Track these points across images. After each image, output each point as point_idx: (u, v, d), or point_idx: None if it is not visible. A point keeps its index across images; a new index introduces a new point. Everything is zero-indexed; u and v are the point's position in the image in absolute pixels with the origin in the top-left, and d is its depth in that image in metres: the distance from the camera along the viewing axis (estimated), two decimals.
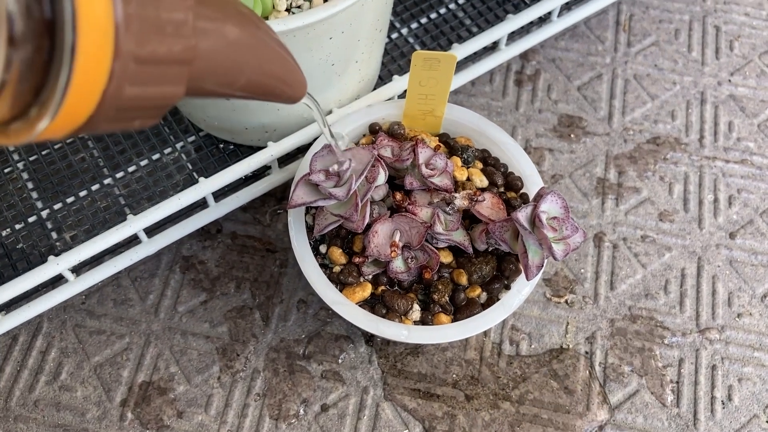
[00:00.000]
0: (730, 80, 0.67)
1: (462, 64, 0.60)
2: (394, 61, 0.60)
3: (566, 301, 0.56)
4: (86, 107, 0.20)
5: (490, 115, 0.64)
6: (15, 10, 0.17)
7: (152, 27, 0.20)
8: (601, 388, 0.53)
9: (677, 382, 0.53)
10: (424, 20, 0.62)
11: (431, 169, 0.46)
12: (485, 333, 0.55)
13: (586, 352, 0.54)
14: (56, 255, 0.48)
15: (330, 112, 0.53)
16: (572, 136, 0.64)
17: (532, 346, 0.55)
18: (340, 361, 0.54)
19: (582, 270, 0.58)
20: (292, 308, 0.55)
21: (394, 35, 0.61)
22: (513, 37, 0.62)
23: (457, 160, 0.49)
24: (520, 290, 0.45)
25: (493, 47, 0.61)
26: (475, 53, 0.60)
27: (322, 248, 0.47)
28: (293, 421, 0.51)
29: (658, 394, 0.53)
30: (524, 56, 0.67)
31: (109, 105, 0.20)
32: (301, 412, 0.52)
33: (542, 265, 0.42)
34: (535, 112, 0.65)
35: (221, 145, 0.55)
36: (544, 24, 0.62)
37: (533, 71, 0.67)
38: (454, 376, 0.53)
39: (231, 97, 0.28)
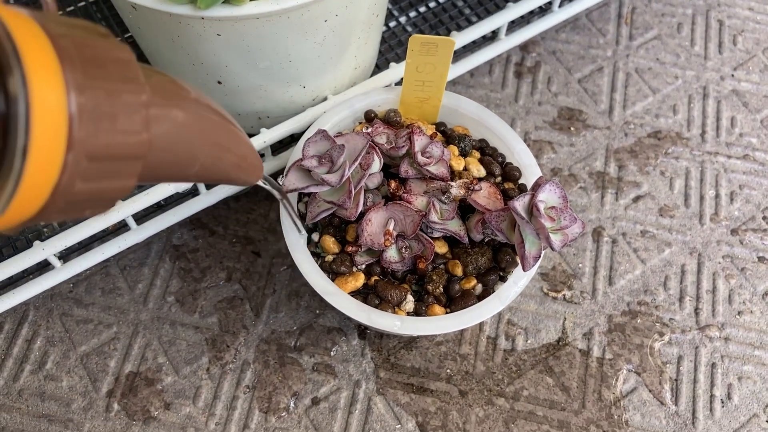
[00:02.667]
0: (733, 75, 0.66)
1: (461, 54, 0.59)
2: (392, 49, 0.58)
3: (564, 297, 0.55)
4: (36, 202, 0.19)
5: (489, 106, 0.63)
6: None
7: (106, 122, 0.20)
8: (598, 385, 0.52)
9: (676, 380, 0.52)
10: (422, 9, 0.60)
11: (427, 157, 0.45)
12: (480, 327, 0.54)
13: (583, 348, 0.53)
14: (42, 240, 0.47)
15: (325, 98, 0.52)
16: (572, 129, 0.63)
17: (528, 342, 0.54)
18: (332, 353, 0.52)
19: (580, 265, 0.57)
20: (283, 300, 0.54)
21: (392, 23, 0.60)
22: (513, 27, 0.61)
23: (454, 149, 0.48)
24: (517, 282, 0.44)
25: (492, 37, 0.60)
26: (474, 43, 0.58)
27: (315, 237, 0.46)
28: (283, 414, 0.50)
29: (657, 391, 0.52)
30: (524, 48, 0.66)
31: (59, 199, 0.20)
32: (292, 405, 0.51)
33: (539, 256, 0.41)
34: (535, 104, 0.64)
35: None
36: (544, 14, 0.61)
37: (533, 63, 0.66)
38: (448, 370, 0.52)
39: (185, 182, 0.27)
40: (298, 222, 0.43)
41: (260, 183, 0.34)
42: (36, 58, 0.18)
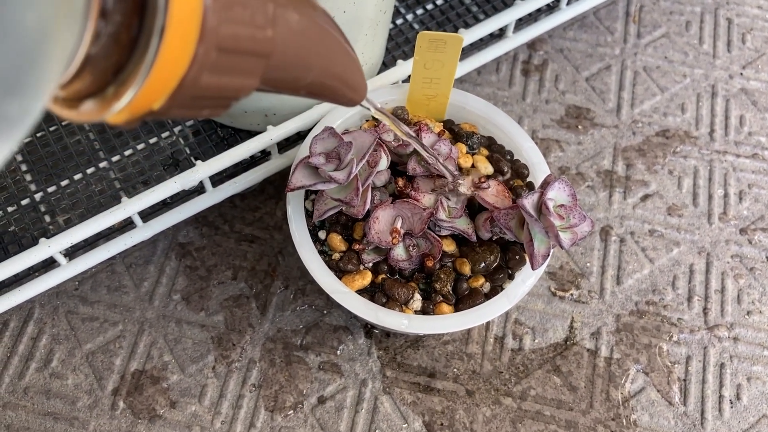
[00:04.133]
0: (741, 73, 0.66)
1: (468, 51, 0.58)
2: (399, 47, 0.58)
3: (571, 296, 0.55)
4: (164, 90, 0.20)
5: (497, 104, 0.63)
6: None
7: (236, 10, 0.20)
8: (606, 385, 0.52)
9: (684, 380, 0.52)
10: (430, 6, 0.60)
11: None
12: (488, 326, 0.53)
13: (591, 348, 0.53)
14: (48, 238, 0.47)
15: None
16: (580, 127, 0.62)
17: (536, 341, 0.53)
18: (338, 352, 0.52)
19: (588, 264, 0.56)
20: (290, 298, 0.54)
21: (399, 21, 0.59)
22: (521, 25, 0.60)
23: (462, 147, 0.47)
24: (525, 280, 0.44)
25: (500, 35, 0.59)
26: (481, 41, 0.58)
27: (322, 235, 0.46)
28: (290, 413, 0.50)
29: (665, 392, 0.52)
30: (532, 46, 0.66)
31: (185, 91, 0.20)
32: (298, 404, 0.50)
33: (548, 255, 0.41)
34: (542, 102, 0.63)
35: (220, 130, 0.54)
36: (552, 12, 0.61)
37: (541, 61, 0.65)
38: (455, 370, 0.52)
39: (293, 95, 0.28)
40: (406, 128, 0.41)
41: (363, 103, 0.34)
42: None
